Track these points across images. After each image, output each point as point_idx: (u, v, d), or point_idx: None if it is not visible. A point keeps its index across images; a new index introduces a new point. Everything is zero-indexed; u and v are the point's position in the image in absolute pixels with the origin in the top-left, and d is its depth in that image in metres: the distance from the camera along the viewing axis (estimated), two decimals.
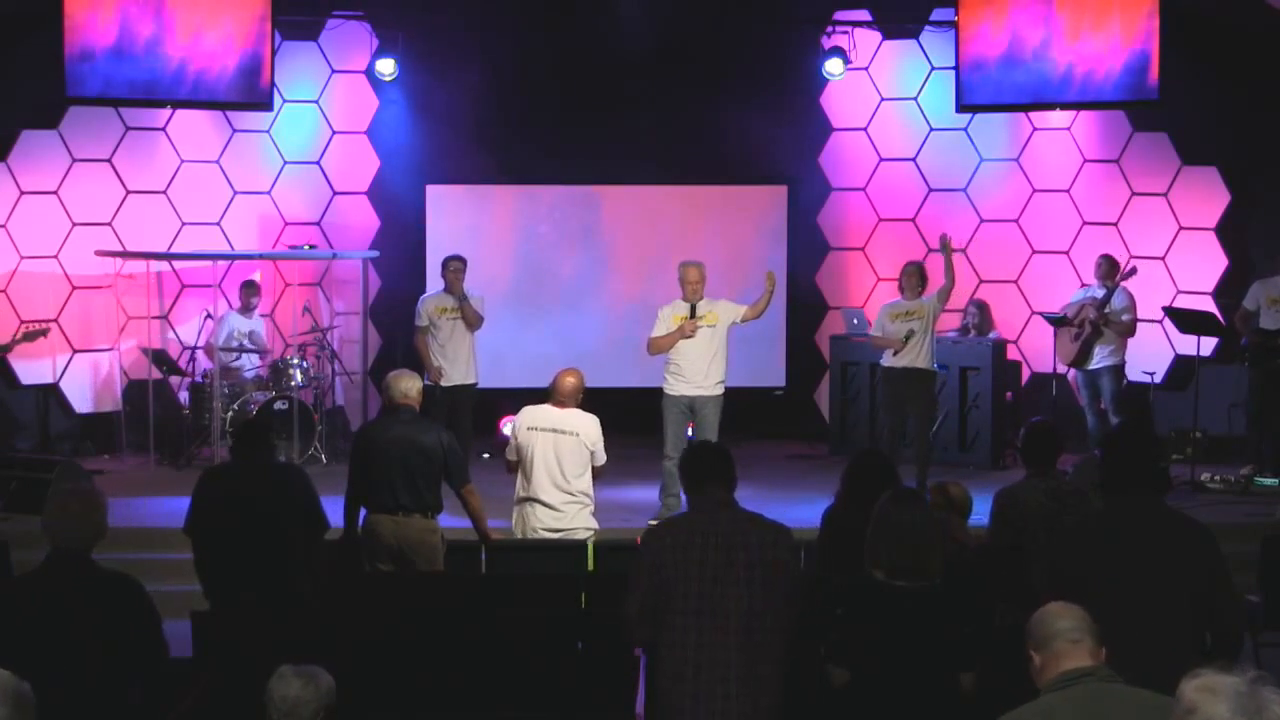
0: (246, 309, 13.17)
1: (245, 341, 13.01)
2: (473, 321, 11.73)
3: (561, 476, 8.61)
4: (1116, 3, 12.74)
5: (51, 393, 13.22)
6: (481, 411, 12.28)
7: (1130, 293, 12.25)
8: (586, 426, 8.69)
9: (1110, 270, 12.26)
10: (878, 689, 5.13)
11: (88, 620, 5.16)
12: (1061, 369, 12.89)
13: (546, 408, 8.73)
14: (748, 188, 14.35)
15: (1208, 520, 5.64)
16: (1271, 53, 12.61)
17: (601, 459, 8.76)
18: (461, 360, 11.74)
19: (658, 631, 5.28)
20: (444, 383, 11.62)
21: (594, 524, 8.79)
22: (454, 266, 11.75)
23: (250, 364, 13.08)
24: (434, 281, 12.52)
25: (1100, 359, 12.23)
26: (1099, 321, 12.15)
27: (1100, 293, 12.22)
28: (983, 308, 13.51)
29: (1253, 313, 12.08)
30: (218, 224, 13.78)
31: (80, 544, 5.28)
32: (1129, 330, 12.26)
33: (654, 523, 10.45)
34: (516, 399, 9.13)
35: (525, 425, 8.68)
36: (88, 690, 5.12)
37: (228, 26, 12.79)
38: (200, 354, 12.93)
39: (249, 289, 13.22)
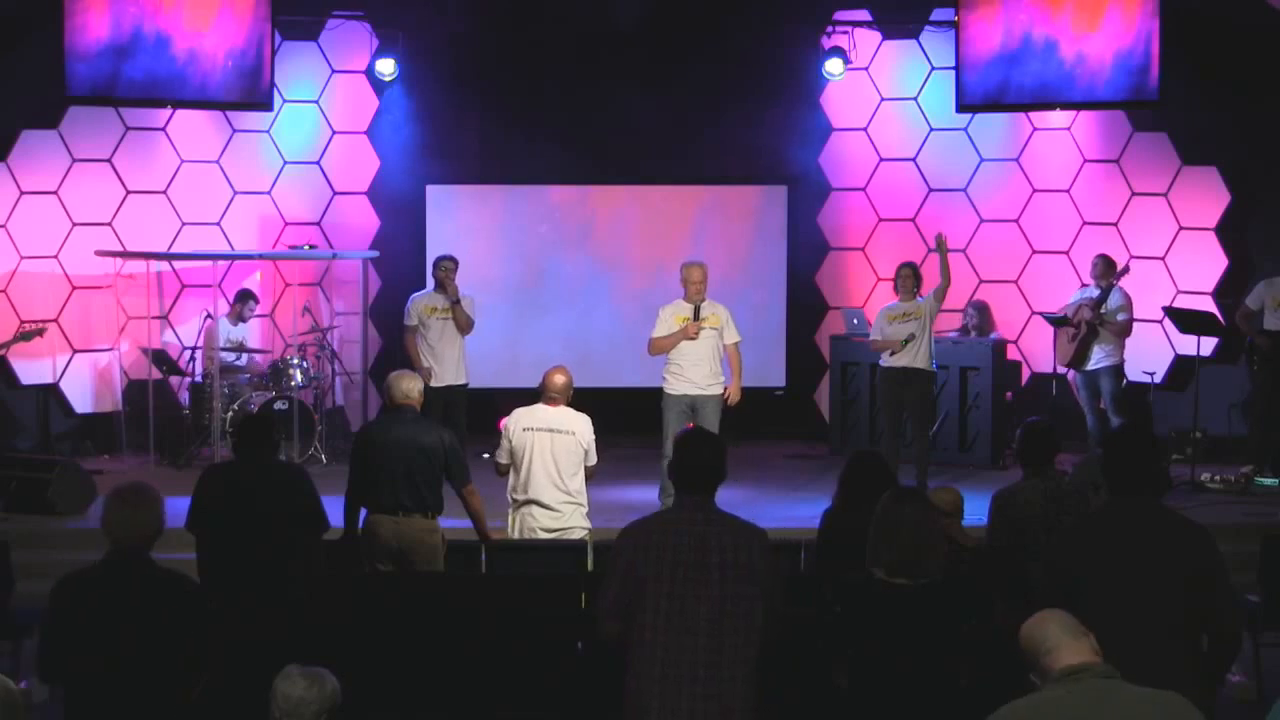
0: (239, 318, 13.12)
1: (230, 353, 12.91)
2: (464, 324, 11.63)
3: (559, 476, 8.54)
4: (1116, 3, 12.75)
5: (51, 393, 13.22)
6: (482, 412, 12.25)
7: (1126, 292, 12.22)
8: (581, 425, 8.65)
9: (1106, 270, 12.22)
10: (877, 688, 5.14)
11: (144, 618, 5.17)
12: (1062, 369, 12.90)
13: (539, 407, 8.66)
14: (748, 188, 14.35)
15: (1208, 520, 5.64)
16: (1271, 53, 12.60)
17: (594, 459, 8.68)
18: (452, 361, 11.63)
19: (629, 630, 5.25)
20: (434, 383, 11.52)
21: (589, 524, 8.73)
22: (445, 266, 11.65)
23: (247, 370, 13.05)
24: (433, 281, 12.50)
25: (1098, 359, 12.20)
26: (1094, 322, 12.13)
27: (1096, 293, 12.20)
28: (982, 309, 13.51)
29: (1255, 312, 12.06)
30: (218, 224, 13.78)
31: (139, 540, 5.31)
32: (1125, 330, 12.21)
33: None
34: (517, 399, 9.10)
35: (520, 426, 8.60)
36: (142, 688, 5.13)
37: (228, 26, 12.79)
38: (199, 354, 12.90)
39: (244, 298, 13.17)
